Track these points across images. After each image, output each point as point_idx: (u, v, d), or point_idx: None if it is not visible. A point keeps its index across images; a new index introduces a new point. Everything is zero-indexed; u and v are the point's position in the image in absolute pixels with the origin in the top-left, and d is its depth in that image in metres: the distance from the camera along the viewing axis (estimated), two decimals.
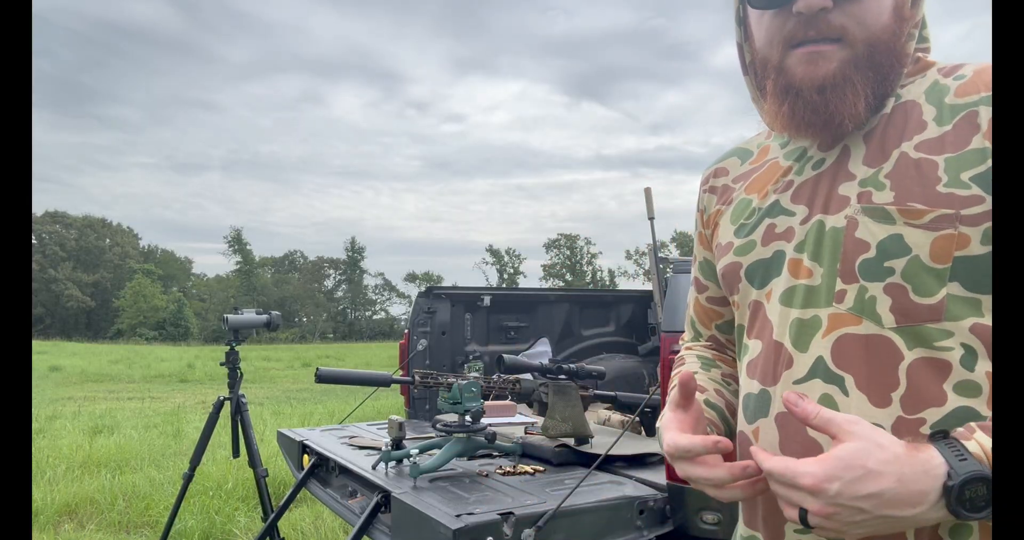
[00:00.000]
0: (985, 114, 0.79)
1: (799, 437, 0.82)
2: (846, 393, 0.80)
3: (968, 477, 0.64)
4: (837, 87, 0.83)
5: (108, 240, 66.36)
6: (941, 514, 0.66)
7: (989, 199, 0.75)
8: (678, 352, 1.18)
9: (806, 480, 0.68)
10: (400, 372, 3.26)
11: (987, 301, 0.76)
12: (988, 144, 0.77)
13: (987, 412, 0.74)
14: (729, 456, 0.82)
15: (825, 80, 0.83)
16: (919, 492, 0.66)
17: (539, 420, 2.69)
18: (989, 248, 0.75)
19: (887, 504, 0.66)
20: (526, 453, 2.38)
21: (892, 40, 0.84)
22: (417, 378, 2.24)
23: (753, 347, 0.91)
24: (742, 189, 1.01)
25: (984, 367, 0.75)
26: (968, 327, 0.76)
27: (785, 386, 0.85)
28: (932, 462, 0.66)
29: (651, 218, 3.69)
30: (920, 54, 0.90)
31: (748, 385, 0.91)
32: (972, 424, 0.71)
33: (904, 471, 0.66)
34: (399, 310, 78.42)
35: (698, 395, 0.96)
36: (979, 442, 0.68)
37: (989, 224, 0.75)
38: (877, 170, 0.83)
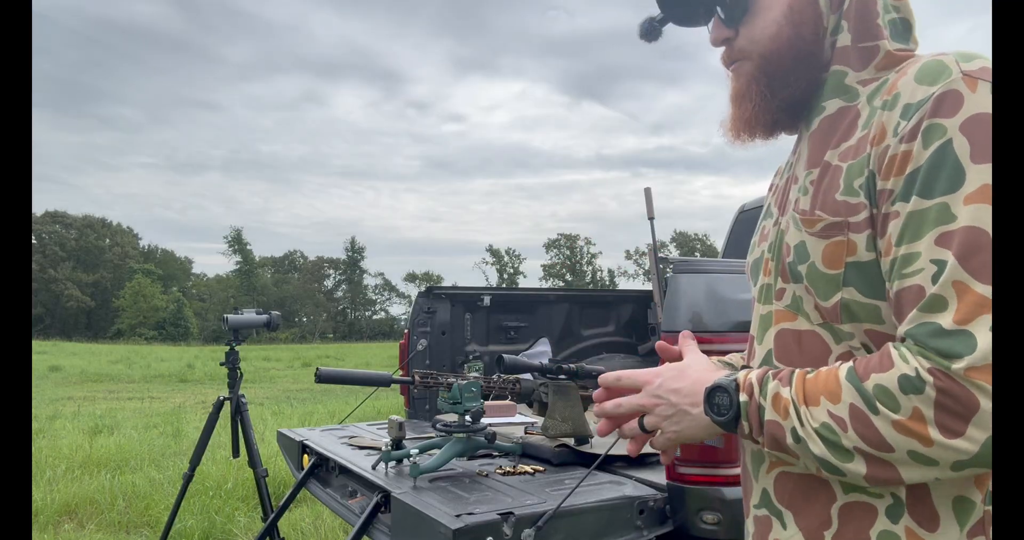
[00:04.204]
0: (879, 119, 0.77)
1: None
2: None
3: (712, 386, 0.83)
4: (742, 97, 0.91)
5: (108, 240, 66.39)
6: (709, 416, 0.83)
7: (870, 206, 0.77)
8: None
9: (641, 376, 0.92)
10: (400, 372, 3.26)
11: (885, 308, 0.77)
12: (871, 149, 0.77)
13: None
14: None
15: (737, 92, 0.92)
16: (698, 394, 0.85)
17: (539, 420, 2.69)
18: (874, 255, 0.77)
19: (684, 398, 0.87)
20: (526, 453, 2.38)
21: (788, 46, 0.87)
22: (417, 378, 2.24)
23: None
24: (770, 188, 1.08)
25: None
26: (863, 330, 0.80)
27: None
28: (713, 377, 0.85)
29: (651, 218, 3.69)
30: (876, 42, 0.85)
31: None
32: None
33: (698, 377, 0.87)
34: (399, 310, 78.52)
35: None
36: (748, 374, 0.81)
37: (870, 231, 0.77)
38: (808, 174, 0.87)
